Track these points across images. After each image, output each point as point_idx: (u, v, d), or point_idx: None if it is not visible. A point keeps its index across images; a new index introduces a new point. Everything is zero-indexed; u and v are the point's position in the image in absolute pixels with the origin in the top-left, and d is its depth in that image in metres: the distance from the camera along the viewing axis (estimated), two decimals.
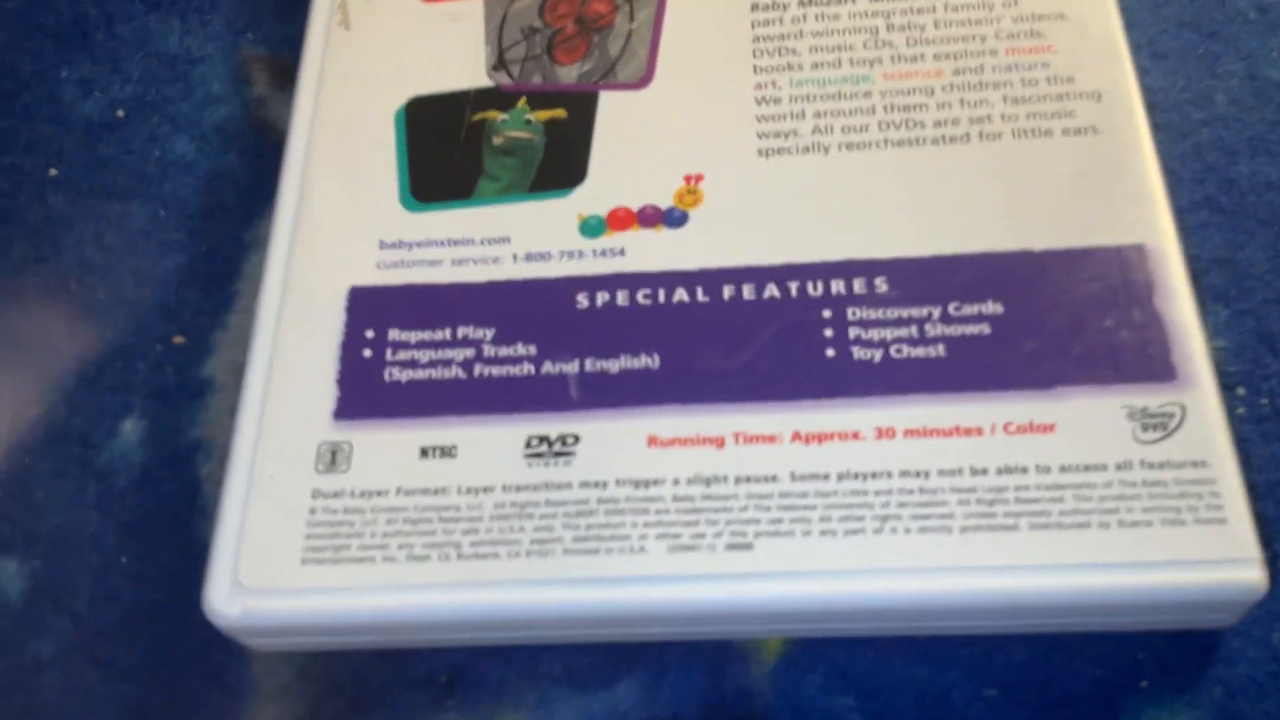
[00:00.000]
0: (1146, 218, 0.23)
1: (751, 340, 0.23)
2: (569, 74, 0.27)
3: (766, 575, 0.21)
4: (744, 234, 0.24)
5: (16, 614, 0.24)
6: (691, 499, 0.21)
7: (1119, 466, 0.21)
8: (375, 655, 0.23)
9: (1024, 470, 0.21)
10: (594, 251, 0.24)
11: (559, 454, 0.22)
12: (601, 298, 0.24)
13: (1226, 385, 0.24)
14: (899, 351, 0.22)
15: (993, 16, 0.26)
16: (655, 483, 0.22)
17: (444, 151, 0.26)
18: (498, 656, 0.23)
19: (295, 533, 0.22)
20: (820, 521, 0.21)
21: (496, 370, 0.23)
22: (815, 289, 0.23)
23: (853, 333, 0.23)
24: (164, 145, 0.29)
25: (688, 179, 0.25)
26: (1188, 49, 0.28)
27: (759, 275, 0.23)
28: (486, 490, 0.22)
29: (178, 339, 0.27)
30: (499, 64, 0.27)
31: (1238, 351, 0.24)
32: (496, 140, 0.26)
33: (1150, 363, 0.22)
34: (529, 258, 0.24)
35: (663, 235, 0.24)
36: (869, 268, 0.23)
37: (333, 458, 0.22)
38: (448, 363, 0.23)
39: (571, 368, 0.23)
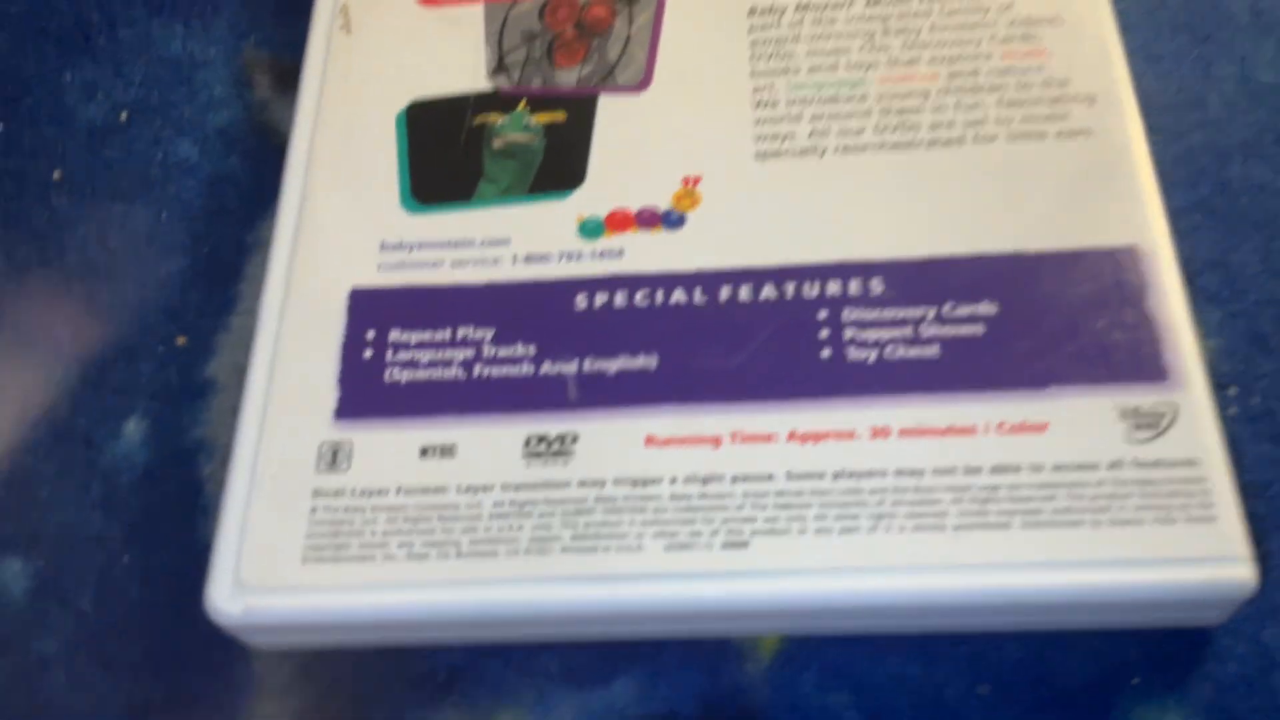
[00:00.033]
0: (1140, 220, 0.23)
1: (748, 341, 0.23)
2: (568, 77, 0.27)
3: (762, 573, 0.21)
4: (741, 236, 0.24)
5: (21, 612, 0.24)
6: (688, 498, 0.22)
7: (1111, 465, 0.21)
8: (375, 653, 0.23)
9: (1017, 469, 0.21)
10: (593, 253, 0.24)
11: (557, 453, 0.22)
12: (600, 299, 0.24)
13: (1219, 385, 0.24)
14: (894, 352, 0.23)
15: (988, 20, 0.26)
16: (652, 481, 0.22)
17: (444, 154, 0.26)
18: (497, 654, 0.23)
19: (296, 531, 0.22)
20: (816, 520, 0.21)
21: (496, 370, 0.23)
22: (811, 290, 0.23)
23: (848, 333, 0.23)
24: (167, 148, 0.30)
25: (686, 181, 0.25)
26: (1182, 52, 0.28)
27: (756, 276, 0.24)
28: (486, 489, 0.22)
29: (180, 340, 0.27)
30: (499, 67, 0.27)
31: (1230, 352, 0.25)
32: (496, 143, 0.26)
33: (1142, 363, 0.22)
34: (528, 259, 0.25)
35: (661, 237, 0.24)
36: (864, 269, 0.23)
37: (333, 457, 0.23)
38: (448, 363, 0.24)
39: (570, 368, 0.23)
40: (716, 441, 0.22)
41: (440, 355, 0.24)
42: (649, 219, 0.25)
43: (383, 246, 0.25)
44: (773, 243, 0.24)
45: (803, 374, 0.23)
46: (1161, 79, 0.28)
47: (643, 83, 0.26)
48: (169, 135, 0.30)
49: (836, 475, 0.22)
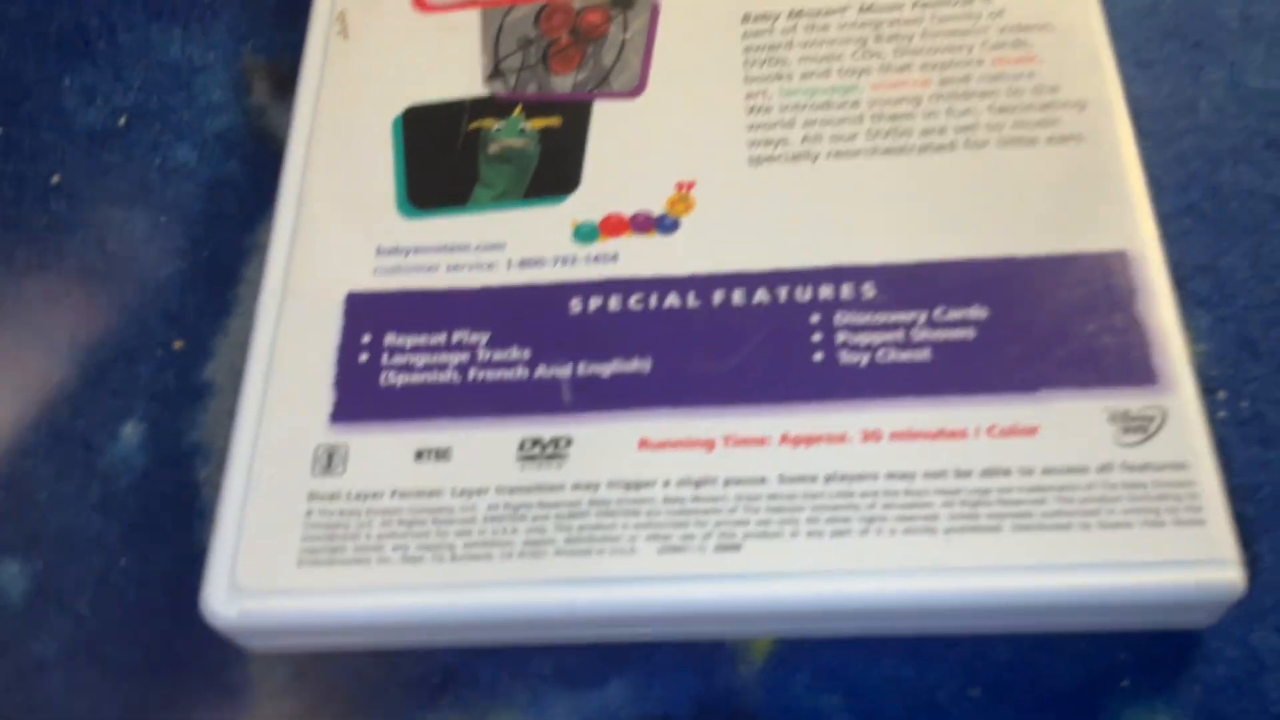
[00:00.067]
0: (1129, 224, 0.23)
1: (741, 344, 0.23)
2: (564, 83, 0.27)
3: (755, 576, 0.21)
4: (734, 240, 0.24)
5: (18, 614, 0.24)
6: (681, 500, 0.22)
7: (1100, 469, 0.21)
8: (370, 656, 0.23)
9: (1007, 472, 0.21)
10: (587, 257, 0.25)
11: (552, 456, 0.22)
12: (594, 302, 0.24)
13: (1208, 389, 0.24)
14: (885, 356, 0.23)
15: (979, 27, 0.26)
16: (646, 484, 0.22)
17: (440, 159, 0.26)
18: (491, 656, 0.23)
19: (292, 535, 0.22)
20: (808, 523, 0.21)
21: (491, 374, 0.23)
22: (804, 294, 0.24)
23: (840, 337, 0.23)
24: (165, 153, 0.30)
25: (680, 186, 0.25)
26: (1172, 58, 0.28)
27: (749, 281, 0.24)
28: (480, 492, 0.22)
29: (178, 344, 0.27)
30: (495, 73, 0.27)
31: (1219, 356, 0.25)
32: (492, 148, 0.26)
33: (1132, 367, 0.22)
34: (523, 263, 0.25)
35: (655, 241, 0.25)
36: (857, 273, 0.24)
37: (329, 460, 0.23)
38: (443, 366, 0.24)
39: (564, 371, 0.23)
40: (709, 445, 0.22)
41: (435, 359, 0.24)
42: (643, 223, 0.25)
43: (379, 251, 0.25)
44: (766, 247, 0.24)
45: (795, 378, 0.23)
46: (1152, 84, 0.28)
47: (637, 88, 0.27)
48: (168, 140, 0.30)
49: (828, 478, 0.22)
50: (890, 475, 0.22)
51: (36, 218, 0.29)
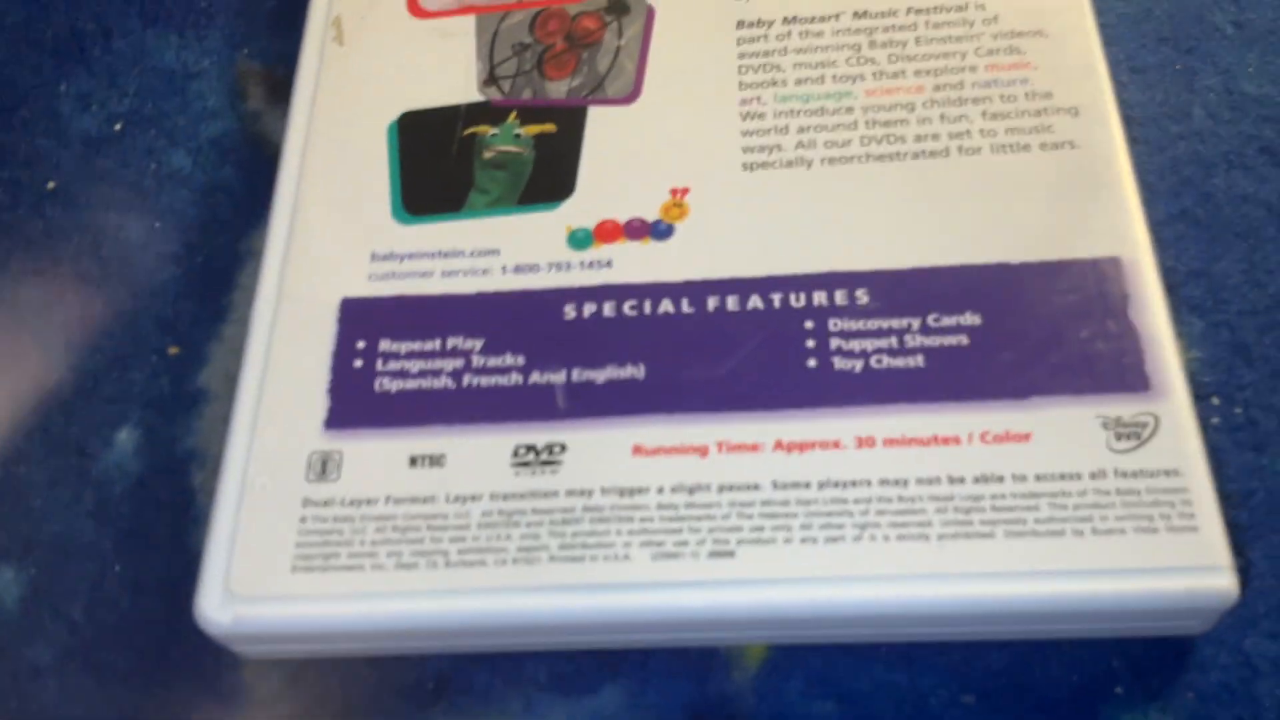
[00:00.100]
0: (1122, 231, 0.24)
1: (735, 351, 0.23)
2: (558, 89, 0.27)
3: (748, 582, 0.21)
4: (729, 246, 0.24)
5: (13, 621, 0.24)
6: (675, 507, 0.22)
7: (1093, 475, 0.21)
8: (364, 662, 0.23)
9: (1000, 479, 0.21)
10: (581, 263, 0.25)
11: (546, 463, 0.23)
12: (589, 309, 0.24)
13: (1201, 395, 0.24)
14: (879, 362, 0.23)
15: (973, 33, 0.26)
16: (640, 491, 0.22)
17: (435, 165, 0.26)
18: (484, 663, 0.23)
19: (286, 541, 0.22)
20: (801, 529, 0.21)
21: (485, 380, 0.24)
22: (798, 300, 0.24)
23: (834, 343, 0.23)
24: (160, 159, 0.30)
25: (674, 192, 0.25)
26: (1165, 64, 0.28)
27: (743, 287, 0.24)
28: (474, 499, 0.22)
29: (173, 350, 0.27)
30: (490, 79, 0.27)
31: (1212, 362, 0.25)
32: (487, 154, 0.26)
33: (1125, 373, 0.22)
34: (518, 269, 0.25)
35: (649, 247, 0.25)
36: (850, 279, 0.24)
37: (323, 467, 0.23)
38: (437, 373, 0.24)
39: (559, 378, 0.23)
40: (703, 451, 0.22)
41: (430, 365, 0.24)
42: (637, 230, 0.25)
43: (373, 257, 0.25)
44: (760, 253, 0.24)
45: (789, 384, 0.23)
46: (1145, 90, 0.28)
47: (632, 94, 0.27)
48: (163, 146, 0.30)
49: (822, 485, 0.22)
50: (884, 481, 0.22)
51: (31, 223, 0.29)
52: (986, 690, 0.22)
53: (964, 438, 0.22)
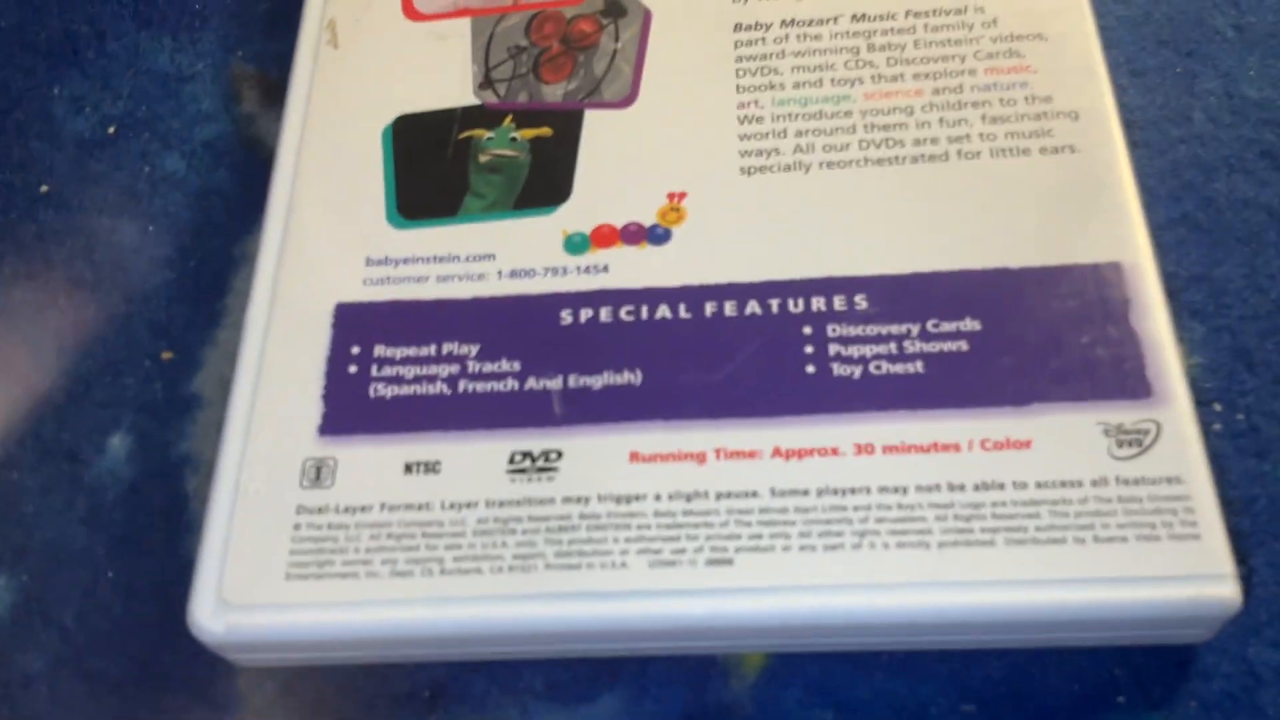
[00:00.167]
0: (1123, 236, 0.23)
1: (733, 356, 0.23)
2: (554, 93, 0.27)
3: (746, 590, 0.21)
4: (726, 251, 0.24)
5: (4, 628, 0.24)
6: (673, 514, 0.22)
7: (1094, 483, 0.21)
8: (359, 670, 0.23)
9: (1001, 486, 0.21)
10: (578, 268, 0.24)
11: (542, 469, 0.22)
12: (585, 314, 0.24)
13: (1203, 401, 0.24)
14: (878, 368, 0.23)
15: (972, 37, 0.26)
16: (637, 498, 0.22)
17: (430, 169, 0.26)
18: (480, 671, 0.23)
19: (280, 548, 0.22)
20: (800, 537, 0.21)
21: (481, 386, 0.23)
22: (796, 306, 0.23)
23: (833, 349, 0.23)
24: (154, 162, 0.30)
25: (671, 197, 0.25)
26: (1165, 67, 0.28)
27: (741, 292, 0.24)
28: (470, 505, 0.22)
29: (166, 355, 0.27)
30: (485, 82, 0.27)
31: (1214, 368, 0.25)
32: (482, 158, 0.26)
33: (1126, 379, 0.22)
34: (513, 274, 0.25)
35: (646, 252, 0.24)
36: (849, 285, 0.24)
37: (317, 473, 0.23)
38: (432, 378, 0.24)
39: (555, 384, 0.23)
40: (701, 458, 0.22)
41: (425, 371, 0.24)
42: (634, 234, 0.25)
43: (368, 261, 0.25)
44: (758, 258, 0.24)
45: (787, 390, 0.23)
46: (1145, 94, 0.28)
47: (629, 98, 0.26)
48: (156, 149, 0.30)
49: (820, 492, 0.22)
50: (883, 489, 0.21)
51: (24, 227, 0.29)
52: (986, 699, 0.22)
53: (964, 445, 0.22)
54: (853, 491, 0.21)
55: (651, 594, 0.21)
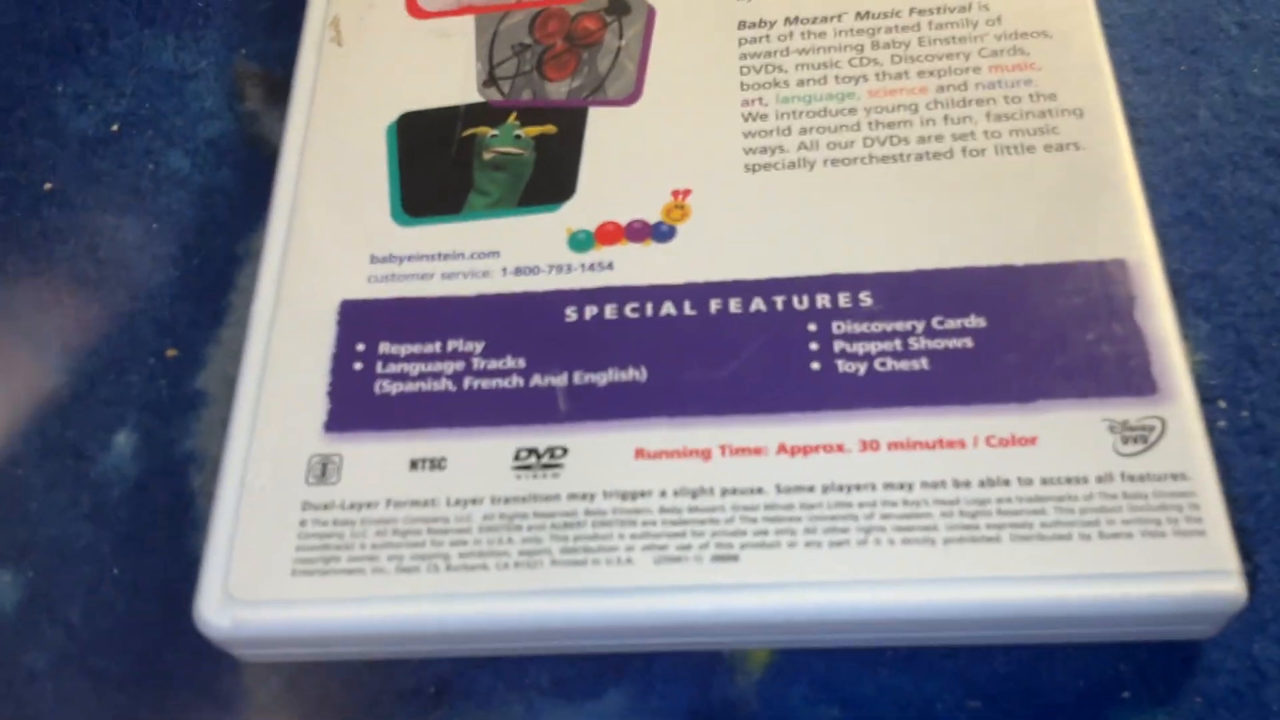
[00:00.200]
0: (1128, 233, 0.23)
1: (738, 353, 0.23)
2: (559, 90, 0.27)
3: (752, 587, 0.21)
4: (731, 248, 0.24)
5: (10, 625, 0.24)
6: (678, 511, 0.22)
7: (1100, 479, 0.21)
8: (364, 666, 0.23)
9: (1006, 483, 0.21)
10: (582, 265, 0.24)
11: (547, 466, 0.22)
12: (590, 311, 0.24)
13: (1207, 398, 0.24)
14: (883, 365, 0.23)
15: (976, 34, 0.26)
16: (642, 494, 0.22)
17: (435, 166, 0.26)
18: (486, 667, 0.23)
19: (285, 544, 0.22)
20: (805, 533, 0.21)
21: (486, 383, 0.23)
22: (801, 303, 0.23)
23: (838, 346, 0.23)
24: (158, 160, 0.30)
25: (675, 194, 0.25)
26: (1170, 65, 0.28)
27: (745, 289, 0.24)
28: (475, 502, 0.22)
29: (170, 352, 0.27)
30: (490, 80, 0.27)
31: (1219, 365, 0.25)
32: (487, 155, 0.26)
33: (1131, 376, 0.22)
34: (518, 271, 0.25)
35: (650, 249, 0.24)
36: (854, 282, 0.24)
37: (323, 470, 0.23)
38: (437, 375, 0.24)
39: (560, 380, 0.23)
40: (706, 454, 0.22)
41: (430, 368, 0.24)
42: (639, 231, 0.25)
43: (373, 259, 0.25)
44: (762, 255, 0.24)
45: (792, 387, 0.23)
46: (1150, 91, 0.28)
47: (633, 95, 0.26)
48: (160, 147, 0.30)
49: (826, 488, 0.22)
50: (888, 485, 0.21)
51: (28, 225, 0.29)
52: (992, 695, 0.22)
53: (969, 441, 0.22)
54: (858, 488, 0.21)
55: (657, 590, 0.21)
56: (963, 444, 0.22)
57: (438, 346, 0.24)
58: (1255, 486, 0.23)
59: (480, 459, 0.22)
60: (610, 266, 0.24)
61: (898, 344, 0.23)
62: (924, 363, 0.23)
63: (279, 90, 0.30)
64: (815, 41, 0.26)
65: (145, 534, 0.25)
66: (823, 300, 0.23)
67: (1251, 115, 0.27)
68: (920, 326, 0.23)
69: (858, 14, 0.27)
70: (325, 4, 0.29)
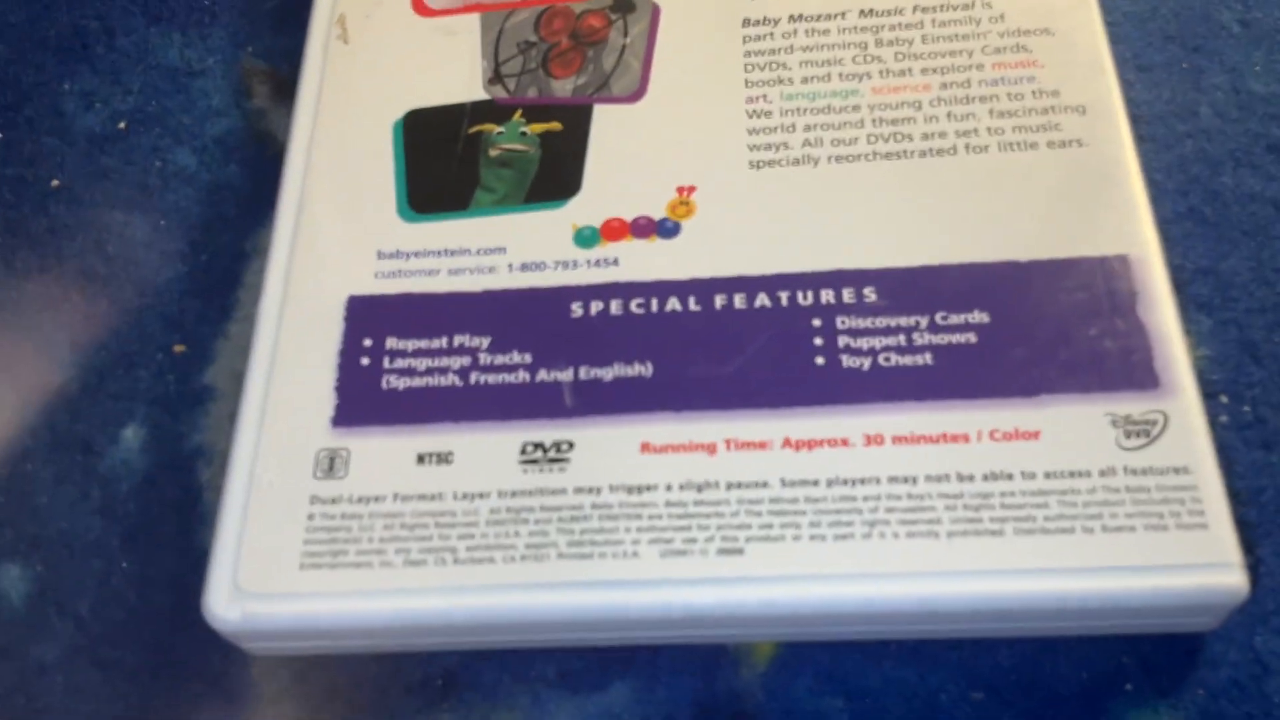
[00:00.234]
0: (1130, 229, 0.24)
1: (743, 348, 0.23)
2: (564, 87, 0.27)
3: (757, 580, 0.21)
4: (735, 244, 0.24)
5: (19, 618, 0.24)
6: (684, 504, 0.22)
7: (1103, 473, 0.21)
8: (372, 659, 0.23)
9: (1009, 476, 0.21)
10: (588, 261, 0.25)
11: (553, 460, 0.22)
12: (595, 307, 0.24)
13: (1209, 393, 0.24)
14: (887, 360, 0.23)
15: (979, 31, 0.26)
16: (648, 488, 0.22)
17: (441, 163, 0.26)
18: (492, 660, 0.23)
19: (294, 538, 0.22)
20: (810, 527, 0.21)
21: (492, 378, 0.23)
22: (805, 298, 0.24)
23: (842, 341, 0.23)
24: (165, 157, 0.30)
25: (680, 190, 0.25)
26: (1172, 62, 0.28)
27: (750, 285, 0.24)
28: (482, 496, 0.22)
29: (179, 348, 0.27)
30: (495, 78, 0.27)
31: (1221, 360, 0.25)
32: (493, 152, 0.26)
33: (1133, 371, 0.22)
34: (524, 267, 0.25)
35: (656, 245, 0.25)
36: (858, 277, 0.24)
37: (331, 464, 0.23)
38: (444, 370, 0.24)
39: (566, 375, 0.23)
40: (711, 449, 0.22)
41: (437, 363, 0.24)
42: (644, 228, 0.25)
43: (379, 255, 0.25)
44: (767, 251, 0.24)
45: (797, 382, 0.23)
46: (1152, 88, 0.28)
47: (638, 93, 0.27)
48: (167, 144, 0.30)
49: (830, 482, 0.22)
50: (892, 479, 0.22)
51: (36, 221, 0.29)
52: (996, 687, 0.22)
53: (973, 435, 0.22)
54: (862, 482, 0.22)
55: (663, 583, 0.21)
56: (966, 438, 0.22)
57: (444, 342, 0.24)
58: (1257, 481, 0.23)
59: (487, 453, 0.23)
60: (615, 262, 0.24)
61: (902, 339, 0.23)
62: (928, 358, 0.23)
63: (286, 87, 0.30)
64: (819, 39, 0.27)
65: (154, 528, 0.25)
66: (827, 296, 0.24)
67: (1253, 112, 0.27)
68: (924, 322, 0.23)
69: (861, 11, 0.27)
70: (331, 2, 0.29)
